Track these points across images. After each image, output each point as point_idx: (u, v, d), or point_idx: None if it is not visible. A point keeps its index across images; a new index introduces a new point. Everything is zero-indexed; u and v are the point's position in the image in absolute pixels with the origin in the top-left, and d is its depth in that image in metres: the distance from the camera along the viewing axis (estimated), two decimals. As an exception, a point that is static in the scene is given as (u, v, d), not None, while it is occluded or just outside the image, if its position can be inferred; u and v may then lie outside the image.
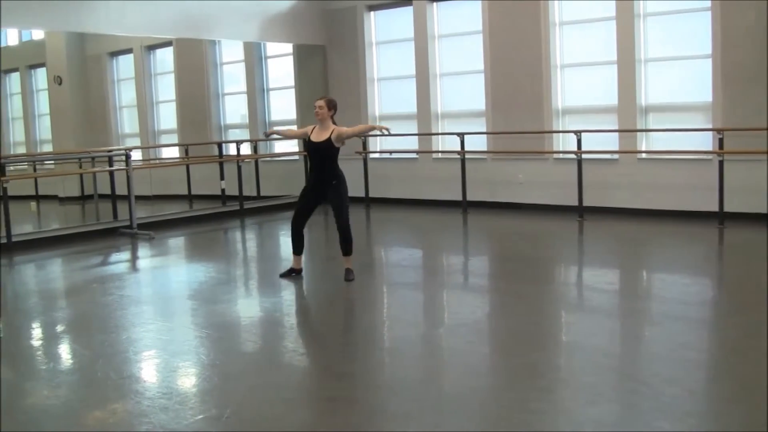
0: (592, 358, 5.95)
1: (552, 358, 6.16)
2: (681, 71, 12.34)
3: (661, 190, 12.27)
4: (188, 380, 5.84)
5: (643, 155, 12.52)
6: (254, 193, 15.44)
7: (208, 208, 14.60)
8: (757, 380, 5.20)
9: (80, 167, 14.12)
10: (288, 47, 16.22)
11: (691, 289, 8.31)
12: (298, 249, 8.96)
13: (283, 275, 9.00)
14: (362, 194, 15.01)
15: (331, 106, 8.64)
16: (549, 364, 5.97)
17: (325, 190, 8.67)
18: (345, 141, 8.70)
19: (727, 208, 11.18)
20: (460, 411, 4.99)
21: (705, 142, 11.81)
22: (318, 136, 8.61)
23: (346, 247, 8.70)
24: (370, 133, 9.24)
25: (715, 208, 11.27)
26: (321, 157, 8.63)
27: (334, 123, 8.69)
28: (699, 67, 11.96)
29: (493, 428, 4.76)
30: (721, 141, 11.18)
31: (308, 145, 8.71)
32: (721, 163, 11.12)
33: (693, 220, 11.64)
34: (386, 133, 8.53)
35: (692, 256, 10.00)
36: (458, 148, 13.75)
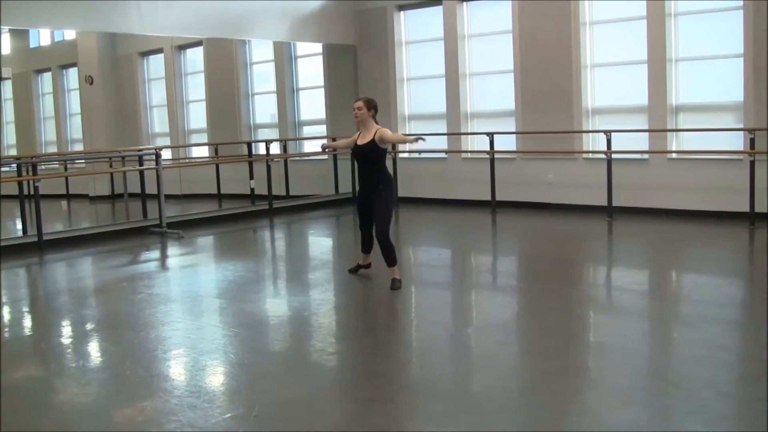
0: (622, 359, 5.91)
1: (582, 359, 6.13)
2: (712, 71, 12.21)
3: (691, 190, 12.16)
4: (216, 379, 5.85)
5: (674, 155, 12.42)
6: (283, 193, 15.46)
7: (237, 208, 14.64)
8: (790, 383, 5.13)
9: (111, 166, 14.21)
10: (318, 47, 16.24)
11: (722, 290, 8.23)
12: (365, 248, 8.76)
13: (351, 271, 8.98)
14: (391, 194, 14.96)
15: (371, 106, 8.19)
16: (579, 365, 5.94)
17: (372, 194, 8.29)
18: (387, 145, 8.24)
19: (758, 209, 11.08)
20: (491, 411, 4.96)
21: (736, 142, 11.71)
22: (362, 139, 8.23)
23: (388, 256, 8.30)
24: (405, 146, 8.62)
25: (746, 208, 11.17)
26: (367, 160, 8.26)
27: (377, 123, 8.28)
28: (730, 67, 11.85)
29: (524, 428, 4.74)
30: (752, 141, 11.10)
31: (354, 150, 8.40)
32: (752, 163, 11.02)
33: (723, 221, 11.54)
34: (421, 142, 7.86)
35: (723, 257, 9.90)
36: (487, 148, 13.69)
